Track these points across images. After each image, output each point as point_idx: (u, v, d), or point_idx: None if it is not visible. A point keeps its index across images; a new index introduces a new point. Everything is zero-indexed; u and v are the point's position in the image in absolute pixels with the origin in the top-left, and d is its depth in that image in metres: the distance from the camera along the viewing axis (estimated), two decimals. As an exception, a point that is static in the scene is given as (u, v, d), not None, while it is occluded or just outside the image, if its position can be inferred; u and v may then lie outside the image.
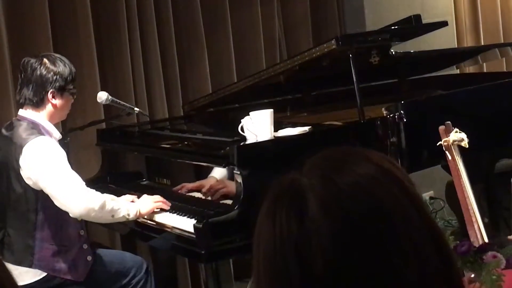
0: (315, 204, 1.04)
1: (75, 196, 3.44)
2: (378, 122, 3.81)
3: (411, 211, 1.06)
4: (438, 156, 3.41)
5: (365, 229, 1.03)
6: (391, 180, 1.07)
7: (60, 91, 3.63)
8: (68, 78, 3.64)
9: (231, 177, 3.60)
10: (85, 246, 3.71)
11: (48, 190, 3.47)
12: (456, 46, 6.48)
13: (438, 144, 3.34)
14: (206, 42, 5.30)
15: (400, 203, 1.05)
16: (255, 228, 1.11)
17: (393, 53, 4.40)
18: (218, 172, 3.85)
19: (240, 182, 3.41)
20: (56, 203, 3.47)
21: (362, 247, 1.02)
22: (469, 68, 6.23)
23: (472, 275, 2.55)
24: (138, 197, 3.78)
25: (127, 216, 3.59)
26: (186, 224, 3.49)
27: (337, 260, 1.02)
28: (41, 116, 3.63)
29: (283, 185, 1.10)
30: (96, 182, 4.26)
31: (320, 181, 1.06)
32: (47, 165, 3.46)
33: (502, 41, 6.82)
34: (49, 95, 3.61)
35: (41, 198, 3.54)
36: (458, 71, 5.81)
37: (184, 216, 3.60)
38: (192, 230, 3.38)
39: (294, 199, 1.06)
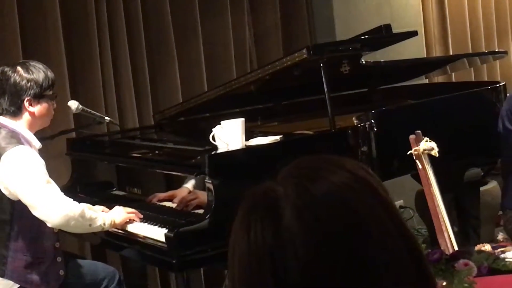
0: (290, 213, 1.04)
1: (54, 205, 3.41)
2: (349, 131, 3.83)
3: (386, 219, 1.06)
4: (409, 165, 3.43)
5: (341, 237, 1.03)
6: (366, 188, 1.08)
7: (37, 98, 3.58)
8: (44, 84, 3.59)
9: (203, 187, 3.60)
10: (59, 259, 3.68)
11: (26, 200, 3.43)
12: (425, 56, 6.52)
13: (408, 153, 3.36)
14: (176, 52, 5.30)
15: (375, 211, 1.06)
16: (230, 237, 1.11)
17: (364, 62, 4.43)
18: (191, 183, 3.85)
19: (211, 191, 3.41)
20: (35, 212, 3.44)
21: (338, 255, 1.02)
22: (438, 78, 6.27)
23: (444, 283, 2.57)
24: (110, 209, 3.76)
25: (103, 226, 3.58)
26: (157, 233, 3.48)
27: (313, 269, 1.02)
28: (20, 125, 3.58)
29: (257, 194, 1.10)
30: (65, 192, 4.22)
31: (294, 190, 1.06)
32: (25, 175, 3.42)
33: (471, 51, 6.88)
34: (26, 103, 3.56)
35: (17, 208, 3.50)
36: (427, 81, 5.86)
37: (156, 225, 3.59)
38: (163, 239, 3.37)
39: (268, 209, 1.06)
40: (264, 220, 1.05)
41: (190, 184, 3.87)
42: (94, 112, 4.33)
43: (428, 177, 3.37)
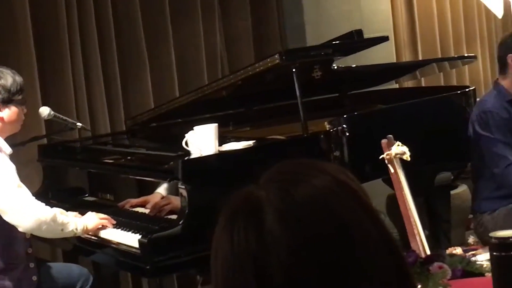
0: (272, 217, 1.05)
1: (26, 209, 3.40)
2: (322, 136, 3.85)
3: (367, 222, 1.08)
4: (381, 169, 3.45)
5: (323, 240, 1.04)
6: (347, 192, 1.09)
7: (5, 103, 3.58)
8: (12, 89, 3.58)
9: (176, 192, 3.60)
10: (31, 265, 3.66)
11: None
12: (395, 61, 6.55)
13: (380, 157, 3.39)
14: (148, 57, 5.30)
15: (356, 214, 1.07)
16: (212, 242, 1.12)
17: (335, 67, 4.45)
18: (163, 188, 3.85)
19: (184, 197, 3.41)
20: (6, 217, 3.42)
21: (320, 258, 1.03)
22: (408, 83, 6.31)
23: (419, 286, 2.59)
24: (82, 215, 3.75)
25: (75, 231, 3.57)
26: (131, 239, 3.47)
27: (296, 272, 1.03)
28: None
29: (240, 198, 1.11)
30: (37, 198, 4.21)
31: (277, 194, 1.07)
32: None
33: (440, 56, 6.93)
34: None
35: None
36: (397, 86, 5.90)
37: (129, 231, 3.58)
38: (137, 245, 3.36)
39: (251, 213, 1.07)
40: (247, 224, 1.06)
41: (162, 190, 3.87)
42: (66, 118, 4.31)
43: (400, 181, 3.39)
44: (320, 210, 1.05)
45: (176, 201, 3.65)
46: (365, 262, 1.04)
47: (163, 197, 3.80)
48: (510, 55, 4.37)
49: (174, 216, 3.56)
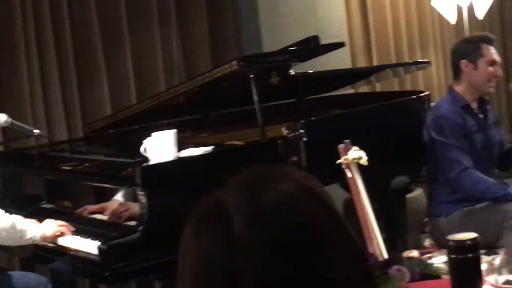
0: (240, 221, 1.06)
1: None
2: (279, 141, 3.87)
3: (332, 226, 1.10)
4: (338, 174, 3.49)
5: (291, 245, 1.06)
6: (312, 196, 1.11)
7: None
8: None
9: (134, 198, 3.60)
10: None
11: None
12: (351, 67, 6.60)
13: (337, 162, 3.42)
14: (105, 64, 5.29)
15: (321, 218, 1.09)
16: (179, 248, 1.13)
17: (292, 73, 4.48)
18: (121, 195, 3.84)
19: (144, 203, 3.41)
20: None
21: (289, 262, 1.05)
22: (363, 88, 6.36)
23: (378, 289, 2.62)
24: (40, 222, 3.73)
25: (34, 238, 3.55)
26: (90, 246, 3.47)
27: (265, 276, 1.04)
28: None
29: (207, 205, 1.12)
30: (-6, 206, 4.20)
31: (244, 199, 1.09)
32: None
33: (394, 62, 6.99)
34: None
35: None
36: (353, 91, 5.95)
37: (88, 238, 3.57)
38: (96, 252, 3.36)
39: (219, 218, 1.08)
40: (215, 229, 1.08)
41: (119, 197, 3.86)
42: (23, 125, 4.29)
43: (357, 186, 3.43)
44: (286, 214, 1.07)
45: (134, 208, 3.65)
46: (330, 264, 1.07)
47: (121, 204, 3.79)
48: (463, 60, 4.44)
49: (133, 223, 3.56)
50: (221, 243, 1.06)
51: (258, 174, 1.15)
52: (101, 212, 3.85)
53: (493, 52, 4.46)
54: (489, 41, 4.51)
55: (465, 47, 4.50)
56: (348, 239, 1.11)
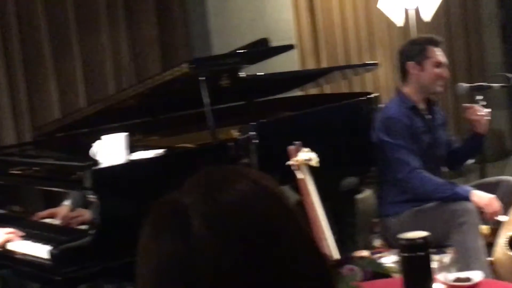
0: (198, 221, 1.08)
1: None
2: (230, 144, 3.89)
3: (289, 224, 1.12)
4: (289, 176, 3.51)
5: (247, 243, 1.07)
6: (270, 196, 1.13)
7: None
8: None
9: (83, 202, 3.59)
10: None
11: None
12: (300, 69, 6.64)
13: (288, 163, 3.45)
14: (54, 67, 5.25)
15: (278, 217, 1.11)
16: (138, 249, 1.14)
17: (243, 75, 4.50)
18: (71, 199, 3.83)
19: (95, 206, 3.40)
20: None
21: (246, 260, 1.07)
22: (312, 90, 6.40)
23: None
24: None
25: None
26: (41, 250, 3.44)
27: (223, 275, 1.06)
28: None
29: (165, 205, 1.13)
30: None
31: (202, 199, 1.10)
32: None
33: (343, 64, 7.05)
34: None
35: None
36: (302, 93, 5.98)
37: (39, 243, 3.55)
38: (47, 256, 3.34)
39: (178, 218, 1.09)
40: (173, 229, 1.09)
41: (69, 202, 3.84)
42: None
43: (308, 187, 3.46)
44: (243, 213, 1.09)
45: (84, 212, 3.64)
46: (288, 261, 1.09)
47: (72, 209, 3.77)
48: (409, 62, 4.50)
49: (84, 227, 3.54)
50: (179, 243, 1.07)
51: (215, 174, 1.16)
52: (52, 217, 3.82)
53: (439, 54, 4.52)
54: (435, 43, 4.56)
55: (411, 49, 4.54)
56: (304, 236, 1.13)
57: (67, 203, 3.82)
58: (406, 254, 2.18)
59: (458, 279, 3.06)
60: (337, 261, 2.78)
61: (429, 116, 4.58)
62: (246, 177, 1.14)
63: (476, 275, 3.10)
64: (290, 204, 1.15)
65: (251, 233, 1.08)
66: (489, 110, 4.64)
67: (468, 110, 4.57)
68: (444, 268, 2.59)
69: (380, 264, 3.02)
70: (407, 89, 4.53)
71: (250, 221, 1.08)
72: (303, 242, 1.12)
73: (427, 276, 2.18)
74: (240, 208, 1.09)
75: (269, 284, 1.07)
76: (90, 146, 3.68)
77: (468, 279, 3.06)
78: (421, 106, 4.56)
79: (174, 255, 1.07)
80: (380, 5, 6.85)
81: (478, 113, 4.53)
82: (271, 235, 1.09)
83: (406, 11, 6.80)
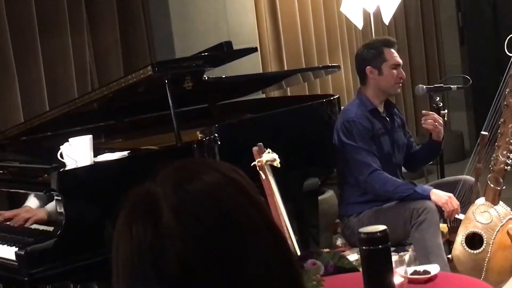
0: (168, 210, 1.14)
1: None
2: (195, 146, 3.93)
3: (256, 217, 1.18)
4: (253, 176, 3.56)
5: (214, 232, 1.14)
6: (237, 188, 1.19)
7: None
8: None
9: (44, 203, 3.62)
10: None
11: None
12: (262, 72, 6.69)
13: (252, 164, 3.50)
14: (16, 71, 5.24)
15: (245, 208, 1.17)
16: (113, 237, 1.20)
17: (206, 78, 4.55)
18: (32, 200, 3.85)
19: (61, 208, 3.43)
20: None
21: (212, 248, 1.13)
22: (274, 93, 6.46)
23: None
24: None
25: None
26: (7, 252, 3.47)
27: (191, 261, 1.12)
28: None
29: (138, 195, 1.19)
30: None
31: (172, 189, 1.16)
32: None
33: (304, 66, 7.11)
34: None
35: None
36: (264, 96, 6.04)
37: (5, 244, 3.57)
38: (13, 257, 3.36)
39: (149, 208, 1.16)
40: (145, 218, 1.15)
41: (31, 202, 3.87)
42: None
43: (271, 187, 3.51)
44: (211, 204, 1.15)
45: (40, 213, 3.68)
46: (253, 250, 1.15)
47: (27, 210, 3.80)
48: (367, 67, 4.56)
49: (50, 228, 3.57)
50: (150, 231, 1.13)
51: (186, 166, 1.23)
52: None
53: (395, 55, 4.58)
54: (390, 44, 4.62)
55: (368, 53, 4.58)
56: (270, 228, 1.19)
57: (28, 204, 3.85)
58: (365, 247, 2.24)
59: (416, 272, 3.16)
60: (300, 256, 2.84)
61: (388, 119, 4.64)
62: (215, 169, 1.21)
63: (433, 268, 3.20)
64: (258, 196, 1.22)
65: (217, 222, 1.14)
66: (445, 111, 4.73)
67: (425, 119, 4.61)
68: (403, 262, 2.66)
69: (342, 258, 3.08)
70: (367, 92, 4.59)
71: (218, 211, 1.15)
72: (269, 233, 1.19)
73: (387, 269, 2.25)
74: (208, 198, 1.15)
75: (235, 273, 1.13)
76: (56, 149, 3.70)
77: (426, 272, 3.16)
78: (381, 108, 4.62)
79: (145, 243, 1.13)
80: (342, 9, 6.92)
81: (435, 122, 4.58)
82: (236, 225, 1.15)
83: (367, 13, 6.88)
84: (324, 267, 2.83)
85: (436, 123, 4.56)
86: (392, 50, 4.59)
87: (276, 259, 1.18)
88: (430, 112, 4.62)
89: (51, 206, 3.74)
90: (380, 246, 2.20)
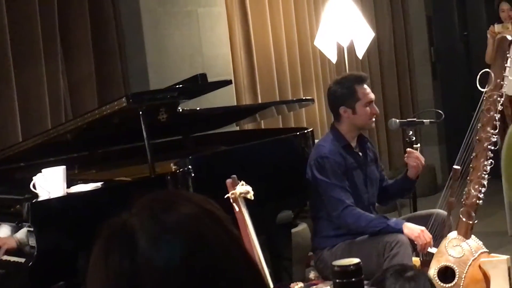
0: (144, 241, 1.15)
1: None
2: (168, 177, 3.93)
3: (231, 247, 1.19)
4: (226, 209, 3.56)
5: (191, 262, 1.14)
6: (212, 219, 1.20)
7: None
8: None
9: (16, 231, 3.61)
10: None
11: None
12: (236, 104, 6.69)
13: (226, 196, 3.50)
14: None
15: (221, 239, 1.18)
16: (88, 267, 1.19)
17: (181, 110, 4.55)
18: (2, 229, 3.83)
19: (33, 239, 3.41)
20: None
21: (188, 277, 1.14)
22: (248, 126, 6.46)
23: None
24: None
25: None
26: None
27: None
28: None
29: (114, 225, 1.19)
30: None
31: (149, 220, 1.17)
32: None
33: (278, 99, 7.12)
34: None
35: None
36: (238, 128, 6.05)
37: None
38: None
39: (125, 237, 1.16)
40: (121, 248, 1.15)
41: (2, 231, 3.85)
42: None
43: (245, 220, 3.51)
44: (189, 234, 1.16)
45: (10, 241, 3.66)
46: (230, 281, 1.16)
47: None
48: (341, 107, 4.56)
49: (21, 259, 3.55)
50: (126, 262, 1.14)
51: (161, 197, 1.24)
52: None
53: (368, 92, 4.58)
54: (362, 81, 4.61)
55: (341, 93, 4.56)
56: (244, 256, 1.21)
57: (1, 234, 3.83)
58: (339, 281, 2.25)
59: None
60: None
61: (361, 153, 4.66)
62: (190, 201, 1.22)
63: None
64: (232, 227, 1.23)
65: (195, 253, 1.15)
66: (418, 145, 4.76)
67: (409, 155, 4.65)
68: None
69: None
70: (341, 127, 4.59)
71: (195, 242, 1.16)
72: (246, 264, 1.20)
73: (360, 302, 2.26)
74: (185, 229, 1.16)
75: None
76: (28, 180, 3.69)
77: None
78: (354, 143, 4.63)
79: (122, 274, 1.13)
80: (316, 43, 6.96)
81: (417, 160, 4.62)
82: (212, 256, 1.16)
83: (340, 47, 6.93)
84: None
85: (418, 162, 4.60)
86: (365, 86, 4.59)
87: (250, 282, 1.19)
88: (415, 151, 4.65)
89: (20, 234, 3.72)
90: (353, 279, 2.21)
